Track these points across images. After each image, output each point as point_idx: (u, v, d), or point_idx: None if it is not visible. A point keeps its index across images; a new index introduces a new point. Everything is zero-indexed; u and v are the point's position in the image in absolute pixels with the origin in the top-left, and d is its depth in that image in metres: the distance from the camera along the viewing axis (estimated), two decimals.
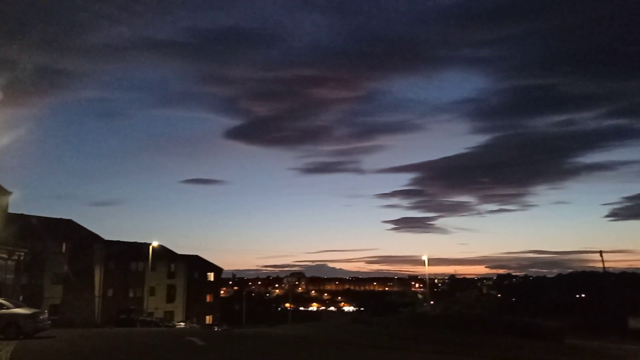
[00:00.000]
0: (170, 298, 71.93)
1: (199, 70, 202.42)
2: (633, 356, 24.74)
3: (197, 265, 78.92)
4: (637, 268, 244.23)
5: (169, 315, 68.32)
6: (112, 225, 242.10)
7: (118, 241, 66.67)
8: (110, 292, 61.99)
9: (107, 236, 63.57)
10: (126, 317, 51.01)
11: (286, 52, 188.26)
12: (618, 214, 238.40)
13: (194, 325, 63.37)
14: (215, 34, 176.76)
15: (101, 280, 60.58)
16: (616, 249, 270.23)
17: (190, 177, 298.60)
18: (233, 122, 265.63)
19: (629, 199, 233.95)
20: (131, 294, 65.04)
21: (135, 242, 68.00)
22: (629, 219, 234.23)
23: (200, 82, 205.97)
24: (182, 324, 61.90)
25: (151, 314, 61.16)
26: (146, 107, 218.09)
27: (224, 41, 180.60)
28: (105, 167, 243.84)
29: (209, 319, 76.06)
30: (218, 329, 58.21)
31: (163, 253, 69.58)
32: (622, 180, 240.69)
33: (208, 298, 79.65)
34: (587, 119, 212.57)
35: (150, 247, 59.58)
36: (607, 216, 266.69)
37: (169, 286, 72.18)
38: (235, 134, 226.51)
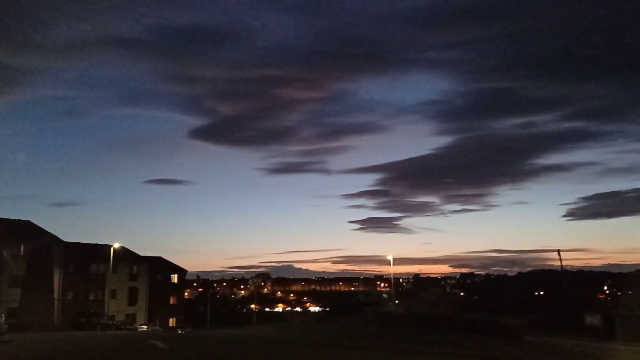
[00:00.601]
0: (132, 300, 70.66)
1: (163, 68, 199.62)
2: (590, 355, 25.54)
3: (160, 267, 77.63)
4: (593, 266, 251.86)
5: (131, 318, 67.17)
6: (72, 227, 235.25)
7: (78, 243, 65.22)
8: (70, 295, 60.51)
9: (67, 238, 62.03)
10: (86, 321, 49.79)
11: (252, 51, 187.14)
12: (575, 214, 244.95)
13: (157, 328, 62.41)
14: (180, 32, 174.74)
15: (60, 283, 59.08)
16: (573, 247, 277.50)
17: (153, 178, 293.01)
18: (198, 121, 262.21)
19: (585, 199, 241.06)
20: (92, 297, 63.66)
21: (96, 244, 66.54)
22: (585, 219, 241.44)
23: (165, 81, 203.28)
24: (145, 326, 60.92)
25: (112, 317, 59.85)
26: (108, 105, 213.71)
27: (189, 39, 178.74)
28: (65, 167, 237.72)
29: (172, 322, 74.96)
30: (182, 331, 57.48)
31: (125, 255, 68.35)
32: (579, 181, 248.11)
33: (171, 300, 78.37)
34: (546, 122, 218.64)
35: (112, 249, 58.40)
36: (564, 216, 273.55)
37: (131, 288, 70.91)
38: (200, 133, 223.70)
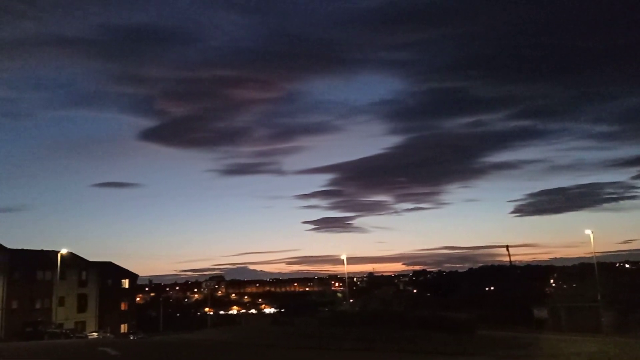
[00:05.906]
0: (82, 307, 68.85)
1: (111, 68, 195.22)
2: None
3: (110, 272, 76.19)
4: (540, 261, 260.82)
5: (81, 326, 65.30)
6: (17, 233, 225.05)
7: (23, 249, 62.83)
8: (15, 304, 58.20)
9: (11, 244, 59.76)
10: (32, 330, 48.03)
11: (204, 51, 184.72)
12: (522, 210, 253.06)
13: (108, 334, 61.06)
14: (129, 32, 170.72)
15: (4, 292, 56.74)
16: (521, 243, 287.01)
17: (102, 181, 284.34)
18: (148, 122, 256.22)
19: (532, 195, 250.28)
20: (38, 305, 61.38)
21: (42, 250, 64.43)
22: (532, 215, 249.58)
23: (113, 81, 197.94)
24: (95, 334, 59.45)
25: (61, 325, 57.96)
26: (54, 107, 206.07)
27: (137, 39, 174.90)
28: (8, 170, 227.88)
29: (124, 328, 73.56)
30: (134, 337, 56.59)
31: (73, 261, 66.41)
32: (526, 179, 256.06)
33: (123, 306, 77.01)
34: (494, 121, 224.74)
35: (59, 255, 56.62)
36: (512, 212, 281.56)
37: (80, 295, 69.02)
38: (151, 135, 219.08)
